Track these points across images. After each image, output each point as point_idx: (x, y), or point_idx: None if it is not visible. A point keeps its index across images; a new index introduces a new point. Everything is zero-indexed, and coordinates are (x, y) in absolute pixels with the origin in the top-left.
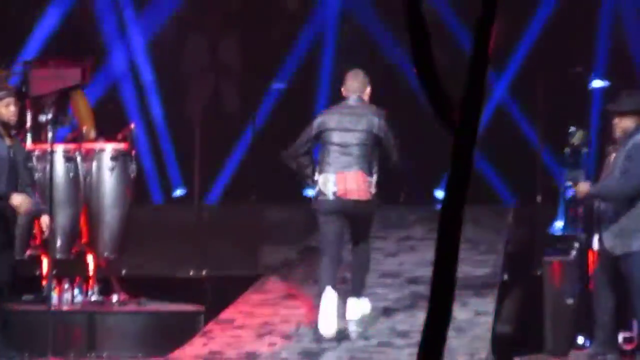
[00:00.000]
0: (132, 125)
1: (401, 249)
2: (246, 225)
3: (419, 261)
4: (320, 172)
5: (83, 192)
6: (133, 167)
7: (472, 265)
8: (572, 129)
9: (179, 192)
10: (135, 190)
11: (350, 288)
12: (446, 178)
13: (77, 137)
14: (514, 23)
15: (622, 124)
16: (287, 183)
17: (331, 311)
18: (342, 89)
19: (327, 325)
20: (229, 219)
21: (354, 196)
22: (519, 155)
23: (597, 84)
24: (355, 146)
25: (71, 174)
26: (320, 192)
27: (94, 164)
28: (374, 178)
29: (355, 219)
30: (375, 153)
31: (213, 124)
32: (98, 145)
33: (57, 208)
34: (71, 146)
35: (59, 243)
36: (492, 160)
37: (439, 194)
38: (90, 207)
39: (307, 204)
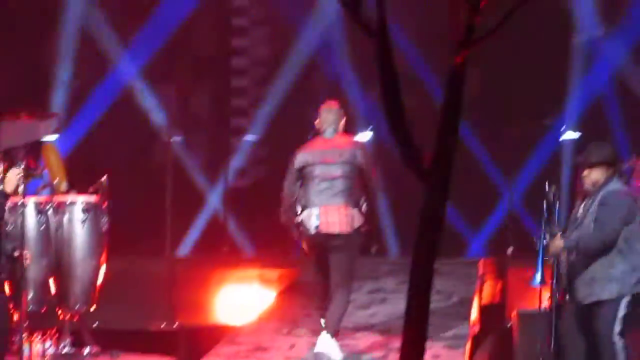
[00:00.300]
0: (104, 178)
1: (373, 300)
2: (218, 276)
3: (391, 313)
4: (304, 208)
5: (54, 245)
6: (105, 219)
7: (443, 316)
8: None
9: (151, 245)
10: (107, 242)
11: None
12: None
13: (48, 190)
14: (487, 72)
15: (592, 176)
16: (260, 235)
17: (332, 350)
18: (316, 123)
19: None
20: (201, 271)
21: (335, 229)
22: (490, 206)
23: (568, 136)
24: (338, 179)
25: (42, 227)
26: (303, 226)
27: (66, 216)
28: (359, 210)
29: (336, 253)
30: (359, 185)
31: (184, 174)
32: (69, 198)
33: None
34: (43, 198)
35: (30, 295)
36: (463, 211)
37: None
38: (62, 260)
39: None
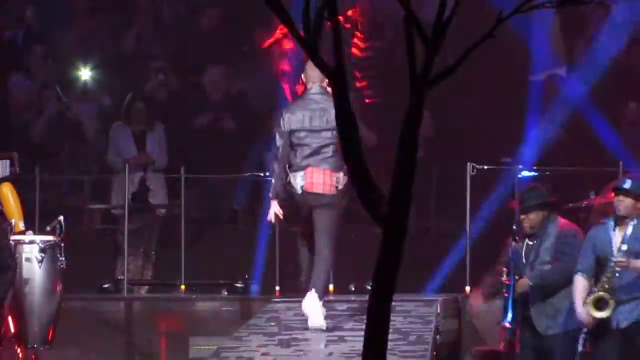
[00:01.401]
0: (61, 217)
1: (330, 339)
2: (176, 316)
3: (348, 352)
4: (291, 172)
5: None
6: (62, 258)
7: (400, 356)
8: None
9: (107, 284)
10: (65, 281)
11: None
12: (375, 269)
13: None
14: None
15: (529, 219)
16: (216, 272)
17: (316, 312)
18: (302, 77)
19: (317, 321)
20: (159, 310)
21: (319, 189)
22: (448, 244)
23: (525, 174)
24: (325, 147)
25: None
26: (290, 186)
27: (23, 256)
28: (344, 173)
29: (319, 212)
30: None
31: (140, 213)
32: (27, 237)
33: None
34: None
35: None
36: (421, 248)
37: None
38: (19, 299)
39: (238, 293)
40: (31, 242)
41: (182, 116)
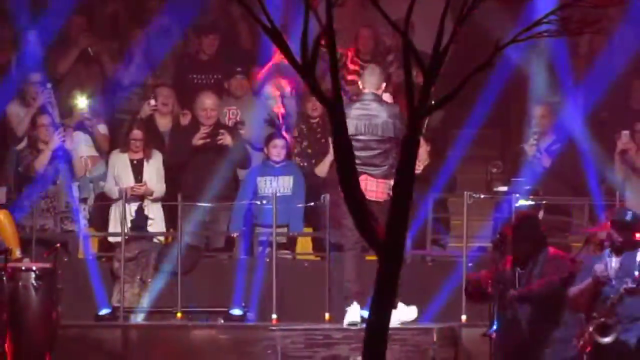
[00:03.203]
0: (58, 244)
1: None
2: (173, 343)
3: None
4: None
5: (8, 312)
6: (59, 286)
7: None
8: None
9: (104, 311)
10: (61, 309)
11: None
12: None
13: (2, 257)
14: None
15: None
16: (213, 300)
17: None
18: (359, 83)
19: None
20: (155, 338)
21: (372, 197)
22: (444, 273)
23: (521, 202)
24: (376, 155)
25: None
26: None
27: (20, 283)
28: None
29: None
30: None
31: (137, 241)
32: (24, 265)
33: None
34: None
35: None
36: (416, 277)
37: (365, 313)
38: (15, 327)
39: (234, 321)
40: (28, 269)
41: (177, 143)
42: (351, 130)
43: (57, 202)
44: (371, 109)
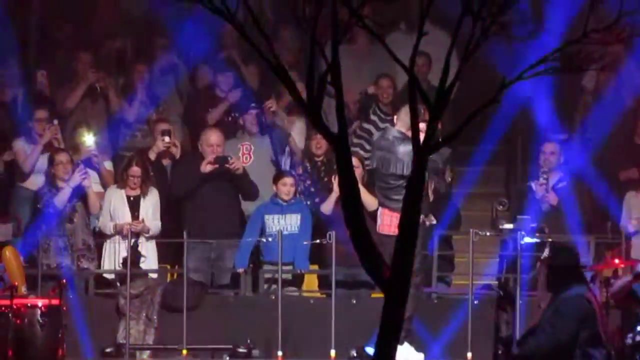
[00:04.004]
0: (63, 281)
1: None
2: None
3: None
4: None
5: (14, 348)
6: (64, 322)
7: None
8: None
9: (109, 348)
10: (66, 345)
11: None
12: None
13: (8, 293)
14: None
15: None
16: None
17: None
18: (395, 117)
19: None
20: None
21: (383, 231)
22: (450, 309)
23: (527, 240)
24: (393, 189)
25: (1, 331)
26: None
27: (25, 320)
28: None
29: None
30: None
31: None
32: (29, 301)
33: None
34: (2, 302)
35: None
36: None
37: (369, 349)
38: None
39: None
40: (33, 306)
41: (182, 173)
42: (374, 163)
43: (75, 240)
44: (394, 145)
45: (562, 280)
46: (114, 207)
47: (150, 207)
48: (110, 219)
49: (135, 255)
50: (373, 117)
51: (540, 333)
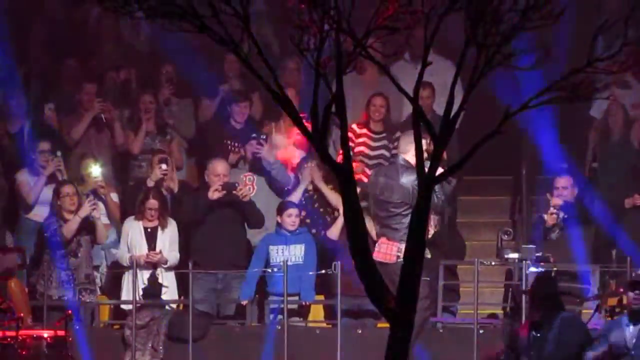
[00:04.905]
0: (69, 312)
1: None
2: None
3: None
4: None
5: None
6: (70, 353)
7: None
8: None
9: None
10: None
11: None
12: None
13: (14, 324)
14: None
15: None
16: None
17: None
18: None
19: None
20: None
21: (377, 258)
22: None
23: (533, 269)
24: (392, 217)
25: None
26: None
27: (31, 351)
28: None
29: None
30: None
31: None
32: (35, 332)
33: None
34: (8, 333)
35: None
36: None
37: None
38: None
39: None
40: (39, 337)
41: (187, 202)
42: (375, 190)
43: (78, 274)
44: (399, 172)
45: (547, 310)
46: (131, 238)
47: (168, 238)
48: (127, 250)
49: (155, 286)
50: (360, 136)
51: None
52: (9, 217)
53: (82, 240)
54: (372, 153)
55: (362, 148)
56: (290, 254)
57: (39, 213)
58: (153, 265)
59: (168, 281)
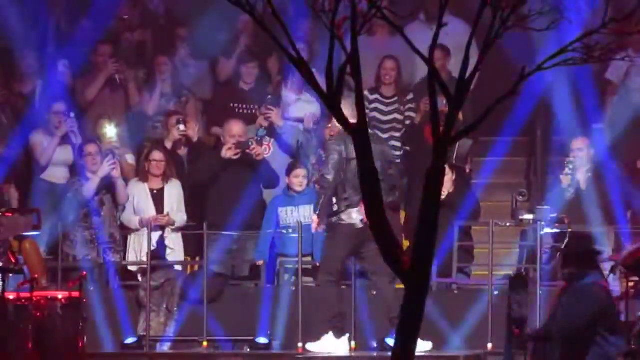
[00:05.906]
0: (84, 273)
1: None
2: None
3: None
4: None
5: (35, 341)
6: (84, 315)
7: None
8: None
9: (130, 340)
10: (87, 338)
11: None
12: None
13: (28, 285)
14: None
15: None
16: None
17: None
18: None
19: None
20: None
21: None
22: (470, 300)
23: (547, 231)
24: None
25: (22, 323)
26: (339, 221)
27: (46, 312)
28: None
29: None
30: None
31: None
32: (49, 294)
33: (8, 358)
34: (22, 294)
35: None
36: (442, 305)
37: (390, 341)
38: (41, 356)
39: (260, 349)
40: (54, 298)
41: (202, 161)
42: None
43: (102, 233)
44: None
45: (577, 268)
46: (137, 201)
47: (175, 199)
48: (134, 213)
49: (161, 248)
50: (372, 102)
51: (558, 317)
52: (23, 178)
53: (105, 199)
54: (384, 118)
55: (374, 114)
56: (300, 214)
57: (54, 174)
58: (161, 227)
59: (174, 243)
